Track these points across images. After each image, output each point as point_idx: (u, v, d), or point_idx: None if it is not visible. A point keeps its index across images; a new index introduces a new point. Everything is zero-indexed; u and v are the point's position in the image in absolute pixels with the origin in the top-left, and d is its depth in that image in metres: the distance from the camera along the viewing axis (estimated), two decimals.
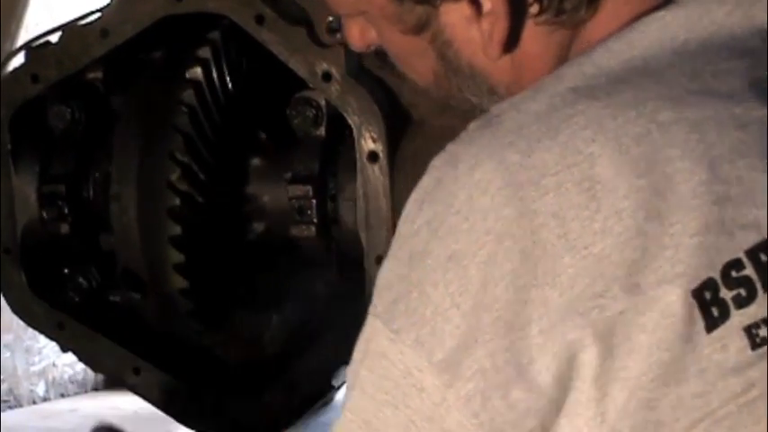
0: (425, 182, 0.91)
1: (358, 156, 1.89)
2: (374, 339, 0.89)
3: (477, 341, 0.84)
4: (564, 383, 0.84)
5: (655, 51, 0.92)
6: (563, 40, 0.99)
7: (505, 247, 0.84)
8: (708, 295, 0.84)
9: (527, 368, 0.84)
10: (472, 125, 0.92)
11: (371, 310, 0.90)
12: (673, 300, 0.83)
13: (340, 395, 3.60)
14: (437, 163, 0.91)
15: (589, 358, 0.83)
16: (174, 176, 1.99)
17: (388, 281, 0.89)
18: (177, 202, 1.98)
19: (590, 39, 0.98)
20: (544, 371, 0.83)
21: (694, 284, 0.83)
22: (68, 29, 2.08)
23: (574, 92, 0.89)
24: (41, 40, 2.12)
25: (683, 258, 0.83)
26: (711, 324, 0.84)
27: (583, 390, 0.83)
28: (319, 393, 2.05)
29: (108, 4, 2.07)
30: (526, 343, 0.84)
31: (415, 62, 1.08)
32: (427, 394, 0.86)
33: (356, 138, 1.89)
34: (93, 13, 2.08)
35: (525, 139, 0.87)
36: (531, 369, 0.84)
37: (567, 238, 0.83)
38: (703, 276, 0.84)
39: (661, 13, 0.94)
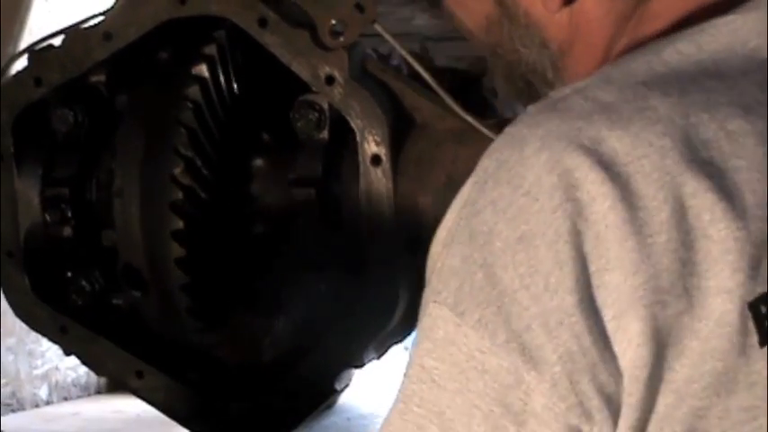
0: (485, 164, 0.89)
1: (361, 159, 1.89)
2: (442, 327, 0.86)
3: (561, 323, 0.82)
4: (628, 373, 0.83)
5: (725, 56, 0.91)
6: (625, 9, 0.98)
7: (578, 229, 0.83)
8: (763, 309, 0.83)
9: (608, 351, 0.82)
10: (532, 109, 0.90)
11: (434, 298, 0.87)
12: (729, 309, 0.82)
13: (342, 398, 3.60)
14: (498, 145, 0.89)
15: (645, 355, 0.82)
16: (177, 170, 1.98)
17: (452, 267, 0.87)
18: (180, 195, 1.98)
19: (653, 16, 0.97)
20: (621, 355, 0.82)
21: (751, 297, 0.83)
22: (71, 32, 2.08)
23: (645, 86, 0.88)
24: (44, 44, 2.12)
25: (743, 268, 0.82)
26: (764, 338, 0.83)
27: (634, 390, 0.82)
28: (322, 396, 2.05)
29: (111, 8, 2.07)
30: (604, 326, 0.82)
31: (471, 3, 1.07)
32: (491, 376, 0.84)
33: (359, 141, 1.89)
34: (96, 16, 2.08)
35: (595, 127, 0.85)
36: (611, 353, 0.82)
37: (633, 224, 0.82)
38: (759, 290, 0.83)
39: (731, 17, 0.93)
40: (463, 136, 1.89)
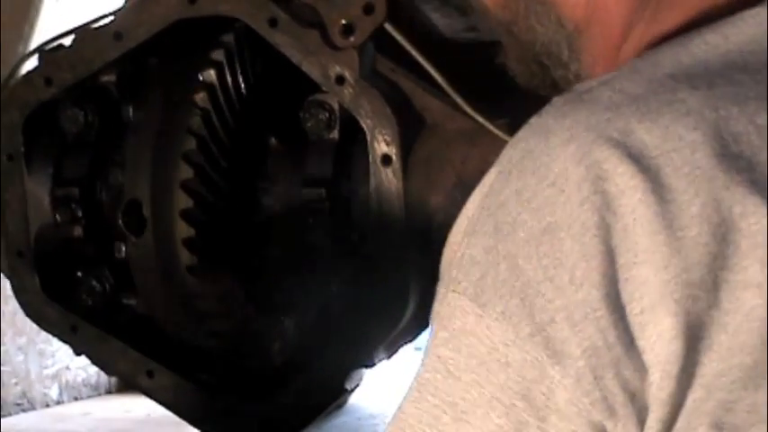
0: (509, 153, 0.88)
1: (371, 159, 1.88)
2: (460, 318, 0.86)
3: (586, 317, 0.82)
4: (657, 367, 0.82)
5: (752, 48, 0.91)
6: None
7: (607, 222, 0.82)
8: None
9: (633, 347, 0.81)
10: (558, 100, 0.90)
11: (453, 287, 0.87)
12: (759, 304, 0.81)
13: (353, 398, 3.60)
14: (522, 135, 0.88)
15: (677, 349, 0.81)
16: (186, 176, 1.98)
17: (472, 257, 0.86)
18: (191, 204, 1.98)
19: (669, 5, 0.96)
20: (647, 350, 0.81)
21: None
22: (82, 32, 2.08)
23: (673, 79, 0.88)
24: (55, 44, 2.12)
25: None
26: None
27: (665, 385, 0.82)
28: (333, 396, 2.05)
29: (121, 8, 2.07)
30: (629, 321, 0.82)
31: None
32: (514, 370, 0.83)
33: (369, 141, 1.88)
34: (106, 16, 2.09)
35: (624, 118, 0.85)
36: (636, 348, 0.82)
37: (663, 216, 0.81)
38: None
39: (757, 10, 0.93)
40: (474, 136, 1.89)
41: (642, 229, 0.82)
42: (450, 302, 0.87)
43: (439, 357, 0.87)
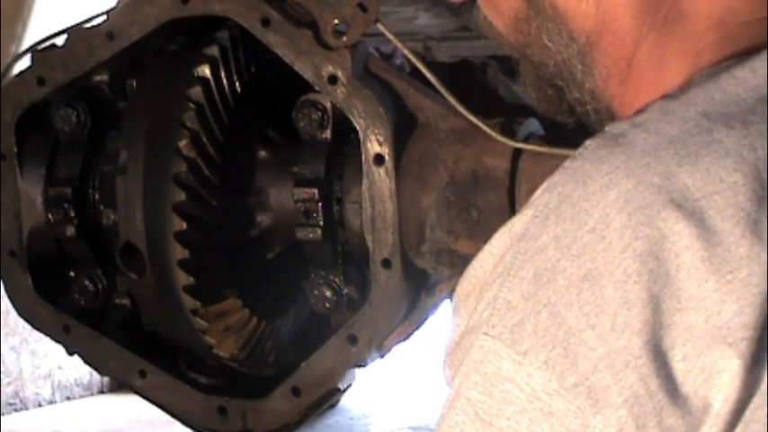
0: (545, 198, 0.87)
1: (364, 158, 1.89)
2: (493, 362, 0.85)
3: (627, 365, 0.81)
4: (706, 412, 0.82)
5: None
6: None
7: (649, 268, 0.82)
8: None
9: (676, 393, 0.81)
10: (592, 143, 0.89)
11: (486, 330, 0.86)
12: None
13: (345, 397, 3.60)
14: (558, 179, 0.88)
15: (730, 392, 0.81)
16: (180, 169, 1.98)
17: (508, 302, 0.85)
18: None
19: (682, 15, 0.96)
20: (692, 396, 0.81)
21: None
22: (74, 32, 2.08)
23: (707, 118, 0.87)
24: (47, 43, 2.12)
25: None
26: None
27: (713, 423, 0.81)
28: (325, 396, 2.05)
29: (114, 7, 2.07)
30: (672, 367, 0.81)
31: (500, 1, 1.07)
32: (557, 419, 0.82)
33: (362, 140, 1.89)
34: (99, 15, 2.09)
35: (663, 162, 0.84)
36: (681, 394, 0.81)
37: (711, 261, 0.81)
38: None
39: None
40: (466, 135, 1.89)
41: (688, 275, 0.82)
42: (482, 345, 0.86)
43: (469, 400, 0.86)
